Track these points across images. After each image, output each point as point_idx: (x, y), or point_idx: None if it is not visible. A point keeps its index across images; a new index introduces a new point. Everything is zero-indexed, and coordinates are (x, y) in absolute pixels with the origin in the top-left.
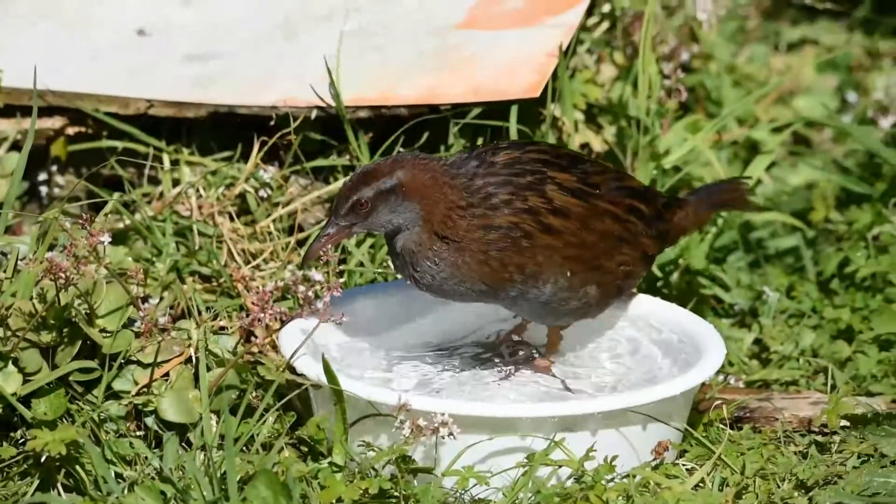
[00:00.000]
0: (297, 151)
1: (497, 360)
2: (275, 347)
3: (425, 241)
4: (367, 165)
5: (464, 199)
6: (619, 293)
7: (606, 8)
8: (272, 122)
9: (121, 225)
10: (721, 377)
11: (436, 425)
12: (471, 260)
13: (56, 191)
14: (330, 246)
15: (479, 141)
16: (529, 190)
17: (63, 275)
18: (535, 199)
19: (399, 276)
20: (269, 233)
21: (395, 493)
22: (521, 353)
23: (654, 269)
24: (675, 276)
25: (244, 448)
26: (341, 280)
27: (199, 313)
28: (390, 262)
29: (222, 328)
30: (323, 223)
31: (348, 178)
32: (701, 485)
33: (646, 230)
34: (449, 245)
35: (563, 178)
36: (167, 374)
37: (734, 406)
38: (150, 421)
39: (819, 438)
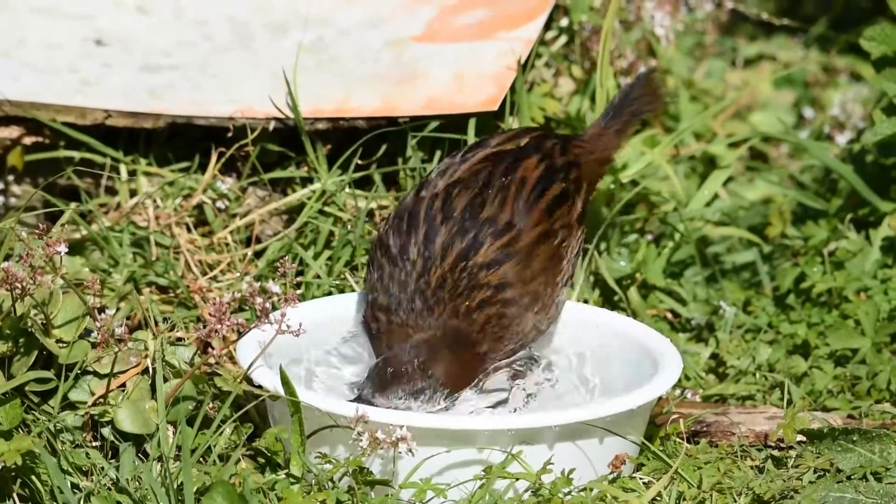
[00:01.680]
0: (254, 163)
1: None
2: (232, 359)
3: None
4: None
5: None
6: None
7: (564, 22)
8: (230, 134)
9: (77, 235)
10: (678, 391)
11: (394, 439)
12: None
13: (12, 200)
14: None
15: (437, 154)
16: (467, 290)
17: (19, 285)
18: (480, 296)
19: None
20: (227, 244)
21: None
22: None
23: (611, 283)
24: (631, 291)
25: (201, 459)
26: (299, 292)
27: (156, 324)
28: None
29: (179, 339)
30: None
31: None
32: (658, 498)
33: (568, 205)
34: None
35: (491, 240)
36: (124, 385)
37: (691, 420)
38: (106, 431)
39: (775, 453)
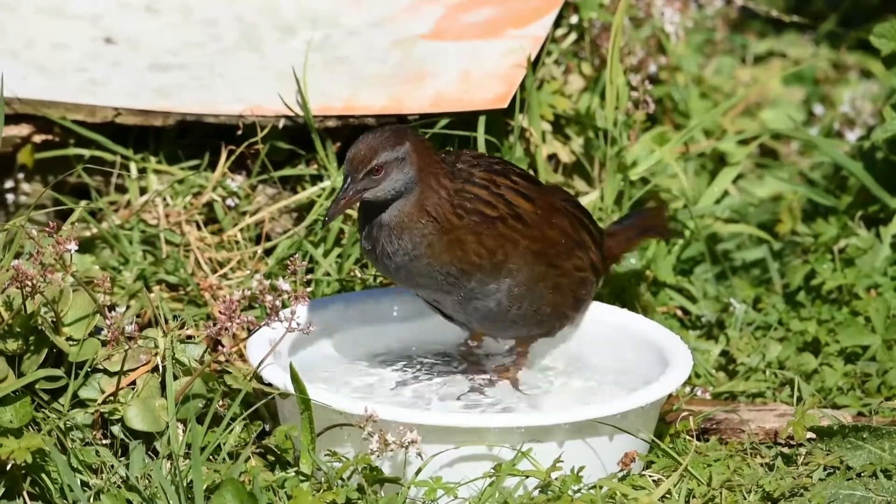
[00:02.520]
0: (264, 160)
1: (463, 373)
2: (242, 356)
3: (413, 215)
4: (379, 131)
5: (449, 178)
6: (575, 305)
7: (574, 19)
8: (240, 132)
9: (88, 233)
10: (688, 389)
11: (404, 441)
12: (447, 239)
13: (23, 198)
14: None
15: (447, 149)
16: (500, 175)
17: (29, 283)
18: (503, 181)
19: (367, 261)
20: (237, 242)
21: None
22: (485, 364)
23: (622, 280)
24: (641, 288)
25: (211, 457)
26: (309, 289)
27: (166, 322)
28: (362, 243)
29: (189, 337)
30: (341, 186)
31: (362, 142)
32: (667, 496)
33: (593, 242)
34: (431, 222)
35: (522, 172)
36: (133, 383)
37: (701, 418)
38: (116, 429)
39: (785, 450)
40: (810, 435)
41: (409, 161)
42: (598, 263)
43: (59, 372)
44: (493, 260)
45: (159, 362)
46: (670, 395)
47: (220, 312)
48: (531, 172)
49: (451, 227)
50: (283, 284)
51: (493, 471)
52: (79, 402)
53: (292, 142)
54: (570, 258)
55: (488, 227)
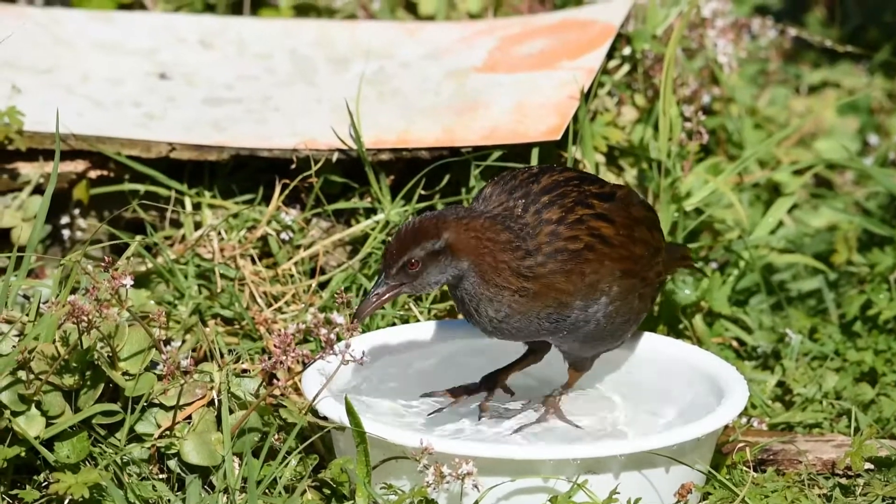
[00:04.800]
0: (318, 194)
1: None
2: (297, 390)
3: (485, 291)
4: (412, 223)
5: (509, 250)
6: (650, 307)
7: (627, 51)
8: (293, 165)
9: (143, 268)
10: (744, 420)
11: (460, 473)
12: (533, 292)
13: (78, 234)
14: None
15: None
16: (578, 205)
17: (85, 318)
18: (582, 211)
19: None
20: (291, 275)
21: None
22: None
23: (677, 311)
24: (696, 319)
25: (267, 491)
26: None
27: (222, 356)
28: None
29: (244, 371)
30: (373, 282)
31: (395, 236)
32: None
33: (664, 242)
34: (505, 290)
35: (597, 189)
36: (189, 417)
37: (758, 448)
38: (172, 464)
39: (843, 481)
40: (868, 465)
41: (449, 252)
42: (668, 262)
43: (115, 407)
44: (585, 281)
45: (215, 396)
46: (727, 427)
47: (274, 346)
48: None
49: (530, 284)
50: (338, 317)
51: (549, 503)
52: (135, 437)
53: (346, 175)
54: (652, 267)
55: (575, 260)
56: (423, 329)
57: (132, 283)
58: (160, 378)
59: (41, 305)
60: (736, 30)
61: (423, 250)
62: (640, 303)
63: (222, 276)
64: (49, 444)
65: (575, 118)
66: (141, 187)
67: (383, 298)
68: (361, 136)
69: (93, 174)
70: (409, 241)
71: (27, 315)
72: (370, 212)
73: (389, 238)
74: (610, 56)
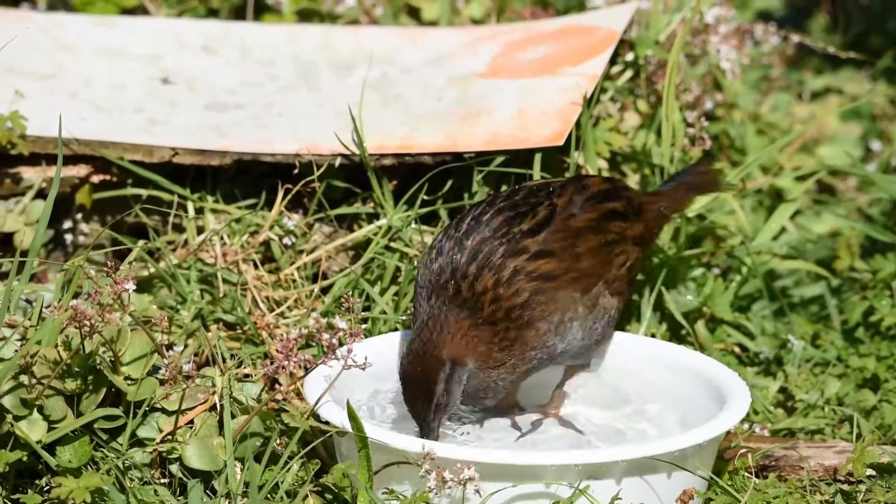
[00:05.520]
0: (320, 199)
1: (518, 410)
2: (299, 395)
3: (487, 377)
4: (415, 370)
5: (486, 344)
6: (631, 287)
7: (630, 56)
8: (296, 170)
9: (145, 273)
10: (746, 425)
11: (462, 478)
12: (516, 356)
13: (81, 238)
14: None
15: (503, 188)
16: (508, 258)
17: (88, 322)
18: (514, 262)
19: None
20: (294, 280)
21: None
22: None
23: (678, 317)
24: (698, 325)
25: (269, 496)
26: (365, 327)
27: (224, 361)
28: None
29: (247, 376)
30: (420, 431)
31: (410, 388)
32: None
33: (626, 220)
34: (496, 368)
35: (529, 224)
36: (192, 422)
37: (759, 454)
38: (174, 468)
39: (845, 487)
40: (870, 472)
41: (457, 366)
42: (639, 234)
43: (117, 411)
44: (553, 321)
45: (217, 401)
46: (728, 433)
47: (277, 351)
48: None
49: (511, 352)
50: (340, 323)
51: None
52: (137, 442)
53: (348, 180)
54: (612, 263)
55: (529, 310)
56: None
57: (134, 287)
58: (162, 383)
59: (43, 310)
60: (739, 36)
61: (441, 384)
62: (613, 299)
63: (225, 280)
64: (51, 448)
65: (578, 124)
66: (143, 192)
67: (438, 434)
68: (364, 142)
69: (95, 179)
70: (429, 384)
71: (29, 319)
72: (373, 217)
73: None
74: (613, 62)
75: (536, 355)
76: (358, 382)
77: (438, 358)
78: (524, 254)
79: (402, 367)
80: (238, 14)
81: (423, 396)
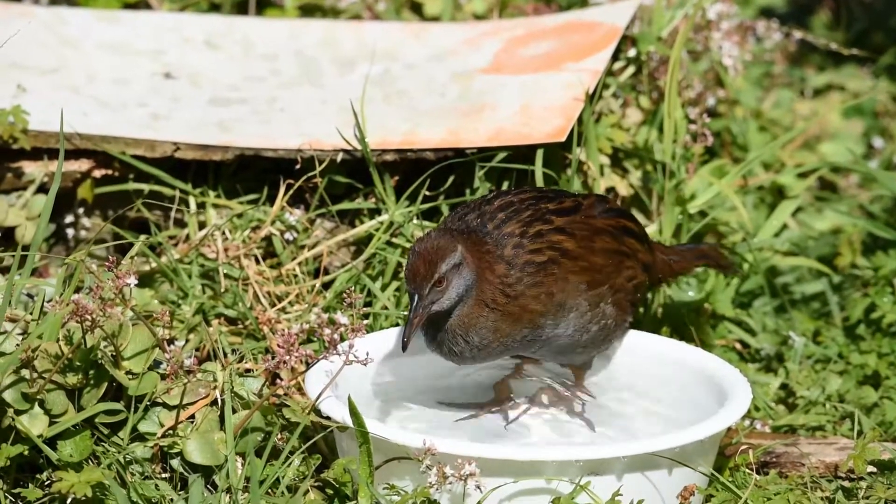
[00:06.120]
0: (322, 194)
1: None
2: (300, 390)
3: (475, 313)
4: (429, 243)
5: (501, 263)
6: (632, 310)
7: (632, 53)
8: (298, 166)
9: (147, 267)
10: (747, 422)
11: (463, 474)
12: (510, 312)
13: (82, 233)
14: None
15: (505, 185)
16: (535, 221)
17: (89, 317)
18: (540, 226)
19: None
20: (295, 275)
21: None
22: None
23: (680, 313)
24: (700, 321)
25: (270, 490)
26: (366, 322)
27: (225, 355)
28: (426, 343)
29: (248, 370)
30: (409, 306)
31: (416, 258)
32: None
33: (639, 243)
34: (492, 312)
35: (555, 206)
36: (193, 417)
37: (760, 451)
38: (175, 463)
39: (846, 484)
40: (871, 468)
41: (465, 263)
42: (649, 261)
43: (118, 406)
44: (555, 301)
45: (218, 396)
46: (730, 429)
47: (278, 346)
48: (560, 189)
49: (510, 306)
50: (341, 318)
51: None
52: (138, 436)
53: (350, 175)
54: (621, 272)
55: (542, 273)
56: None
57: (136, 282)
58: (163, 377)
59: (45, 304)
60: (741, 32)
61: (446, 266)
62: (614, 309)
63: (226, 275)
64: (52, 442)
65: (580, 120)
66: (145, 187)
67: (422, 318)
68: (366, 137)
69: (97, 173)
70: (435, 259)
71: (31, 314)
72: (374, 212)
73: (404, 260)
74: (615, 58)
75: (524, 330)
76: (360, 377)
77: (454, 247)
78: (549, 224)
79: (417, 242)
80: (241, 9)
81: (425, 269)
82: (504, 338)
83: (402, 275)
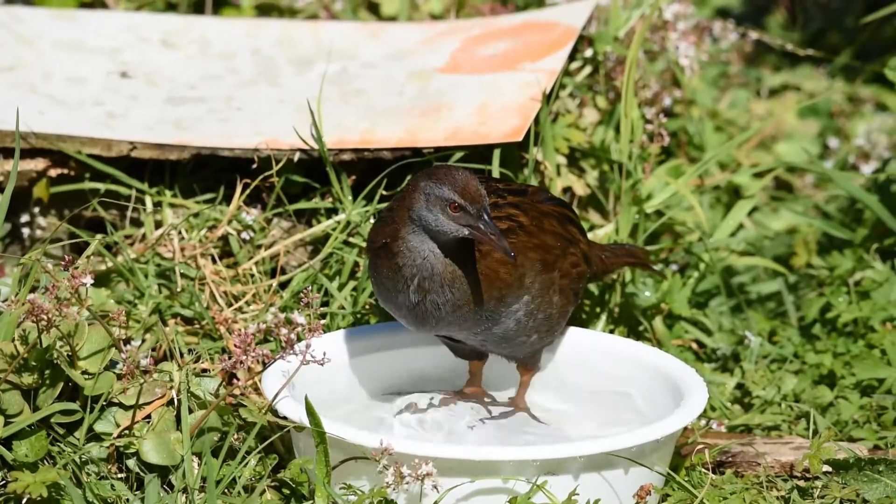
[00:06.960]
0: (279, 194)
1: (477, 405)
2: (257, 390)
3: (461, 258)
4: (460, 172)
5: None
6: (575, 300)
7: (589, 53)
8: (255, 165)
9: (103, 267)
10: (703, 422)
11: (420, 474)
12: (485, 273)
13: (38, 232)
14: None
15: None
16: (490, 193)
17: (45, 316)
18: (495, 199)
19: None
20: (252, 275)
21: None
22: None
23: (636, 313)
24: (656, 321)
25: (226, 490)
26: (323, 322)
27: (182, 355)
28: (409, 296)
29: (204, 370)
30: (486, 224)
31: (472, 179)
32: None
33: (580, 233)
34: (471, 266)
35: (504, 186)
36: (149, 417)
37: (716, 451)
38: (131, 463)
39: (801, 483)
40: (826, 468)
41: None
42: (587, 252)
43: (74, 406)
44: (517, 273)
45: (174, 396)
46: (686, 429)
47: (235, 346)
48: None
49: (481, 259)
50: (298, 317)
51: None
52: (94, 436)
53: (307, 175)
54: (566, 257)
55: (513, 236)
56: (386, 328)
57: (92, 281)
58: (119, 377)
59: (0, 304)
60: (697, 33)
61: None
62: (560, 297)
63: (182, 275)
64: (7, 442)
65: (537, 120)
66: (101, 186)
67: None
68: (323, 136)
69: (53, 173)
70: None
71: None
72: (331, 212)
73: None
74: (572, 58)
75: (491, 302)
76: (317, 377)
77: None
78: (503, 198)
79: (447, 174)
80: (197, 8)
81: (484, 193)
82: (474, 305)
83: (359, 274)
